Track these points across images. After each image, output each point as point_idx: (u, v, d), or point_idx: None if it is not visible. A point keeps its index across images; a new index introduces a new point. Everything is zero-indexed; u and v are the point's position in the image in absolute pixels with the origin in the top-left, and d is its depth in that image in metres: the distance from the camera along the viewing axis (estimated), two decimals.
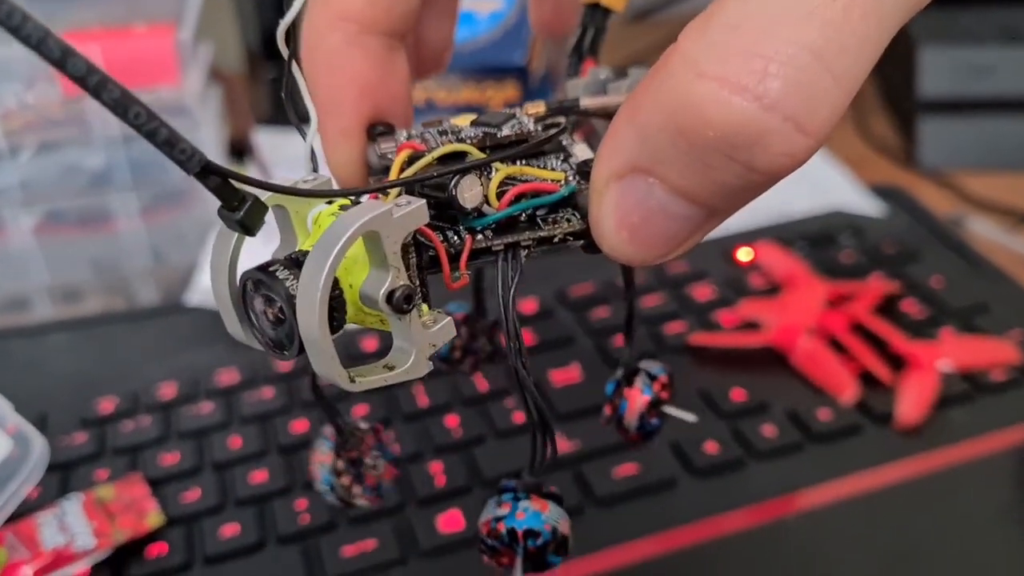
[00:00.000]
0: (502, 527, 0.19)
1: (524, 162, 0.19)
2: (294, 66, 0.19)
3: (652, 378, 0.23)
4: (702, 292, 0.47)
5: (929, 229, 0.52)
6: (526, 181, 0.19)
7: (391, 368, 0.18)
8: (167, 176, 0.51)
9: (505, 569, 0.20)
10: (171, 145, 0.14)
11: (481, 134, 0.20)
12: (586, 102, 0.21)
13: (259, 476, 0.37)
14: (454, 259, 0.18)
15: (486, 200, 0.18)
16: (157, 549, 0.35)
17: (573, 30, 0.26)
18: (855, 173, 0.60)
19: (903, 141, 0.67)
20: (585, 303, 0.46)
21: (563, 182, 0.19)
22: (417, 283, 0.18)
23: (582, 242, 0.19)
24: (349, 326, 0.18)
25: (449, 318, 0.18)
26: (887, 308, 0.45)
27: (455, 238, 0.18)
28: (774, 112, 0.14)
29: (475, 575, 0.33)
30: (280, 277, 0.16)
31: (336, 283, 0.16)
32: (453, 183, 0.18)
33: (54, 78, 0.49)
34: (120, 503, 0.36)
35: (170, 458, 0.39)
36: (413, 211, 0.16)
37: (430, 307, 0.18)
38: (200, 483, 0.37)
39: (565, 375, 0.42)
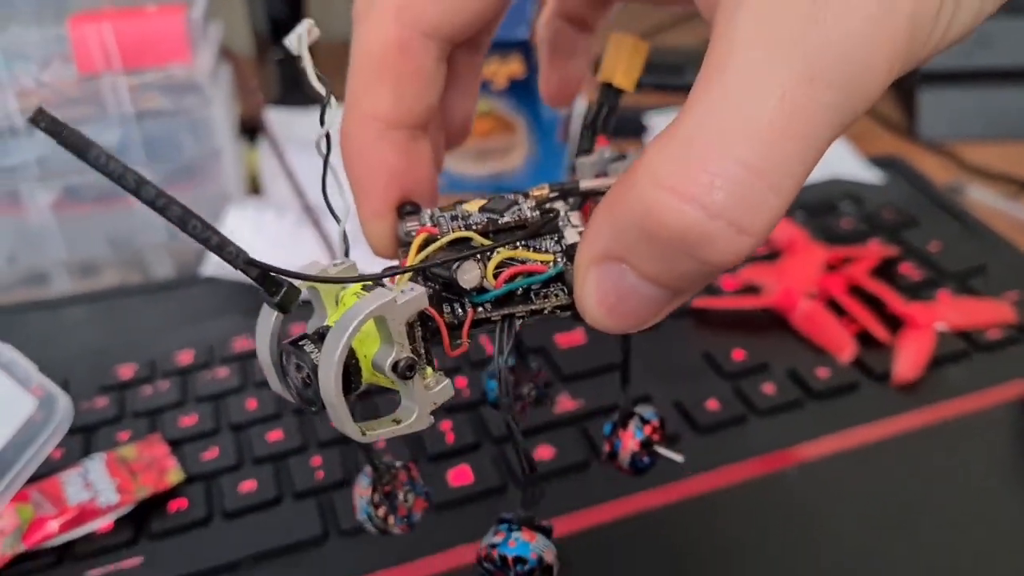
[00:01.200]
0: (495, 553, 0.22)
1: (522, 245, 0.22)
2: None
3: (644, 422, 0.26)
4: None
5: (928, 197, 0.53)
6: (522, 263, 0.22)
7: (398, 422, 0.21)
8: (180, 153, 0.52)
9: None
10: (221, 248, 0.18)
11: (486, 220, 0.23)
12: (585, 185, 0.24)
13: (275, 436, 0.39)
14: (458, 328, 0.21)
15: (484, 279, 0.21)
16: (178, 504, 0.36)
17: (574, 99, 0.30)
18: (856, 146, 0.61)
19: (903, 113, 0.67)
20: None
21: (552, 263, 0.22)
22: (422, 351, 0.21)
23: (569, 312, 0.21)
24: None
25: (448, 381, 0.21)
26: (885, 272, 0.46)
27: (459, 310, 0.22)
28: (719, 219, 0.16)
29: (484, 525, 0.34)
30: (307, 351, 0.20)
31: (353, 354, 0.20)
32: (455, 268, 0.21)
33: (69, 58, 0.50)
34: (141, 462, 0.37)
35: (188, 420, 0.40)
36: (414, 299, 0.20)
37: (434, 370, 0.21)
38: (218, 443, 0.39)
39: (570, 338, 0.43)
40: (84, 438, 0.40)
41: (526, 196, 0.23)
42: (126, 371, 0.43)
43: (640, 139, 0.66)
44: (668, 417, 0.38)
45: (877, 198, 0.53)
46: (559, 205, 0.23)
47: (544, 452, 0.37)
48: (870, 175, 0.56)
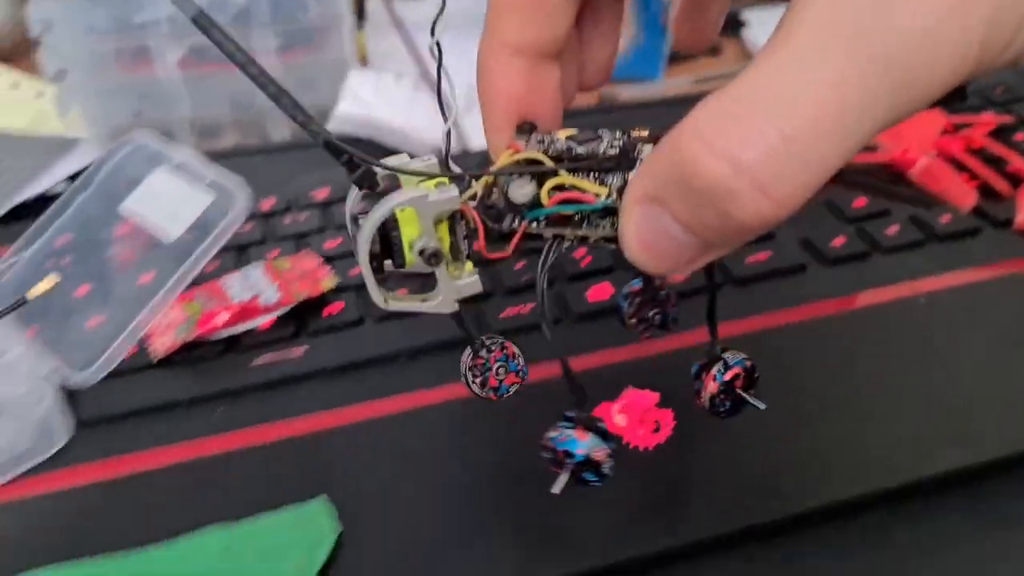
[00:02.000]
0: (549, 444, 0.25)
1: (584, 175, 0.23)
2: None
3: (727, 367, 0.27)
4: None
5: None
6: (580, 191, 0.23)
7: (424, 300, 0.24)
8: (304, 15, 0.54)
9: (556, 475, 0.25)
10: (306, 125, 0.20)
11: (565, 147, 0.24)
12: None
13: None
14: (509, 236, 0.23)
15: (539, 199, 0.23)
16: (333, 308, 0.38)
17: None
18: None
19: None
20: None
21: (603, 196, 0.22)
22: (461, 247, 0.23)
23: (613, 245, 0.22)
24: None
25: (476, 277, 0.23)
26: (1001, 139, 0.47)
27: (516, 222, 0.23)
28: (744, 176, 0.17)
29: (615, 335, 0.36)
30: (359, 224, 0.22)
31: (397, 232, 0.22)
32: (508, 182, 0.23)
33: None
34: (295, 272, 0.39)
35: (331, 244, 0.42)
36: (443, 199, 0.22)
37: (474, 267, 0.23)
38: None
39: None
40: (236, 255, 0.42)
41: (625, 132, 0.24)
42: (266, 204, 0.45)
43: (739, 35, 0.67)
44: (793, 252, 0.40)
45: (984, 77, 0.53)
46: (647, 147, 0.24)
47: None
48: None
